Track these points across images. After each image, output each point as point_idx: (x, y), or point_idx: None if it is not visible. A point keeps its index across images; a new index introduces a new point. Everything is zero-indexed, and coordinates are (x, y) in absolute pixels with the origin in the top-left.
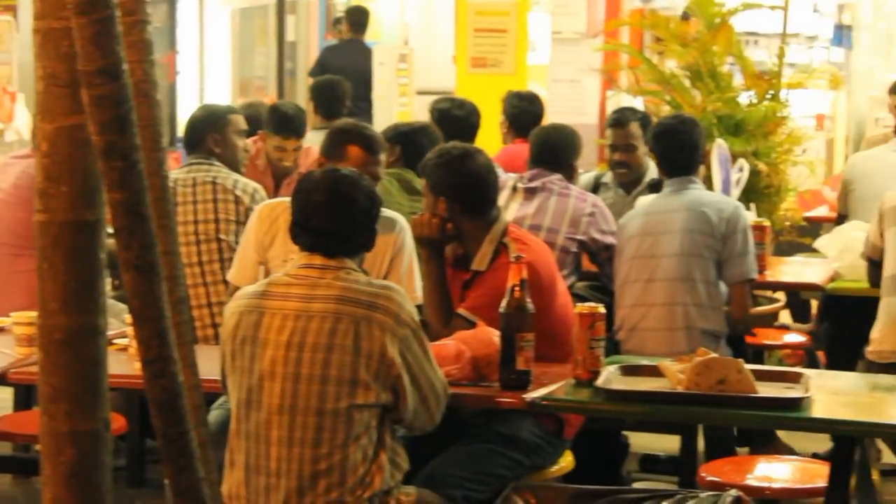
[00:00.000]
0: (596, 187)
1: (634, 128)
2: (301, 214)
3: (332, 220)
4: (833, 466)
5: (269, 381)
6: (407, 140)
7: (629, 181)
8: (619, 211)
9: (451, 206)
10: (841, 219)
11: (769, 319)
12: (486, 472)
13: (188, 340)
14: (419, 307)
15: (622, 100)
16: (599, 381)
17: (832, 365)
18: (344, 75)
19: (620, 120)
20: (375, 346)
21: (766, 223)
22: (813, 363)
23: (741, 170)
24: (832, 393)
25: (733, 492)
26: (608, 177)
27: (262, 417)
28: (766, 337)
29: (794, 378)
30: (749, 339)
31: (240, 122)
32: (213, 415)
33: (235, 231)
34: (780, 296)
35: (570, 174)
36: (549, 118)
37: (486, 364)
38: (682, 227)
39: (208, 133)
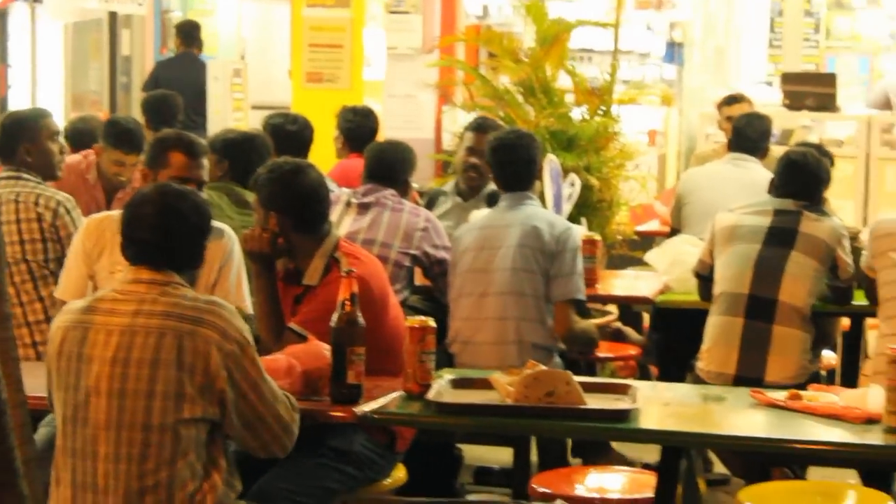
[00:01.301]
0: (434, 197)
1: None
2: (128, 226)
3: (158, 232)
4: (660, 476)
5: (94, 397)
6: (235, 153)
7: (474, 187)
8: (456, 219)
9: (283, 220)
10: (674, 233)
11: (602, 331)
12: (317, 486)
13: (13, 357)
14: (250, 318)
15: (457, 115)
16: (430, 395)
17: (663, 376)
18: (177, 89)
19: (483, 126)
20: (199, 360)
21: (598, 237)
22: (645, 375)
23: (573, 184)
24: (662, 404)
25: (560, 502)
26: (448, 186)
27: (89, 433)
28: (598, 350)
29: (623, 390)
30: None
31: (52, 125)
32: (41, 433)
33: (43, 249)
34: (613, 308)
35: (404, 190)
36: (384, 133)
37: (317, 378)
38: (516, 242)
39: (20, 143)
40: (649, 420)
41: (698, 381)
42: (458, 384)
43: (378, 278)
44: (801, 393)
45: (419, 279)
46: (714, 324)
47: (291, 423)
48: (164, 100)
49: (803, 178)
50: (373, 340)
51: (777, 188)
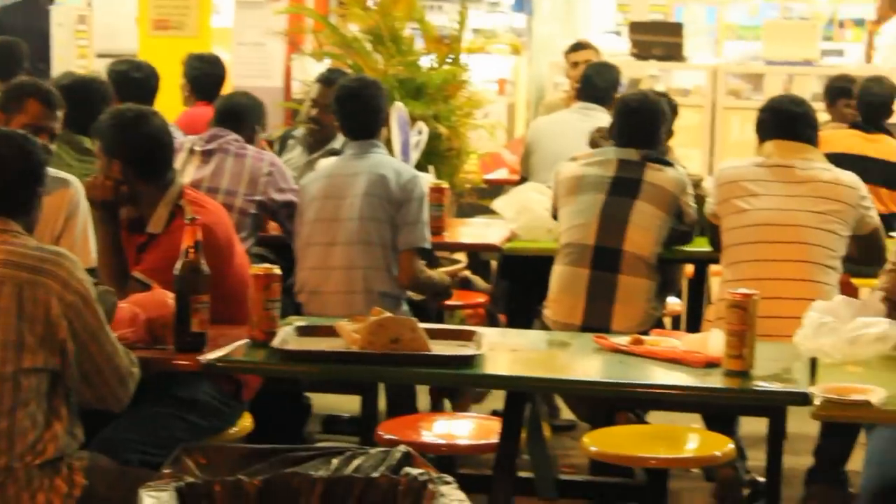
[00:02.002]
0: (286, 138)
1: None
2: None
3: None
4: (504, 422)
5: None
6: (71, 98)
7: (318, 140)
8: (301, 169)
9: (126, 168)
10: (523, 181)
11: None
12: (162, 436)
13: None
14: (94, 271)
15: (306, 63)
16: (275, 342)
17: (511, 323)
18: (20, 36)
19: (330, 79)
20: (39, 309)
21: (445, 185)
22: (493, 322)
23: (420, 133)
24: (509, 350)
25: (402, 447)
26: (298, 131)
27: None
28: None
29: (469, 336)
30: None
31: None
32: None
33: None
34: (462, 256)
35: (250, 137)
36: (232, 82)
37: (161, 326)
38: (362, 191)
39: None
40: (494, 366)
41: (546, 328)
42: (304, 332)
43: (223, 225)
44: (644, 338)
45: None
46: (560, 274)
47: (129, 377)
48: (9, 46)
49: (642, 124)
50: (218, 288)
51: (617, 136)
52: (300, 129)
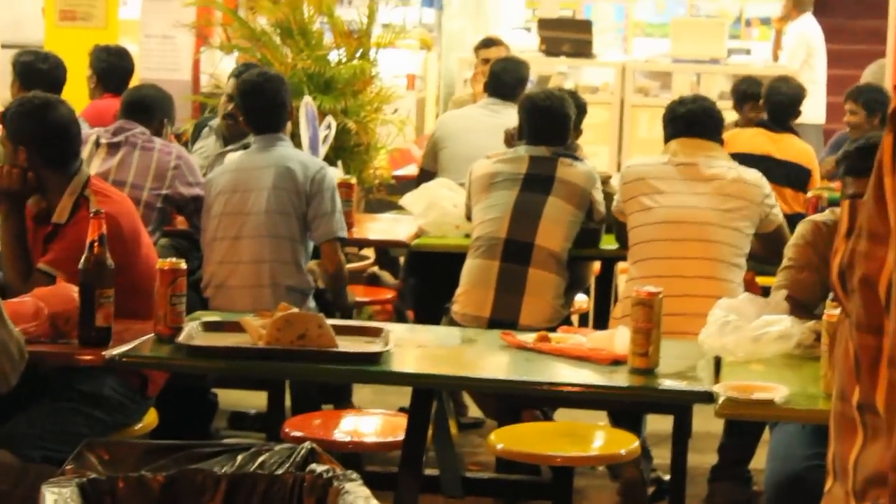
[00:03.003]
0: (201, 127)
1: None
2: None
3: None
4: (410, 419)
5: None
6: None
7: (234, 135)
8: (211, 160)
9: (32, 156)
10: (423, 174)
11: (358, 276)
12: (65, 432)
13: None
14: None
15: (215, 56)
16: (180, 338)
17: (419, 320)
18: None
19: (244, 73)
20: None
21: (353, 180)
22: (401, 319)
23: (329, 127)
24: (416, 346)
25: (308, 444)
26: (215, 122)
27: None
28: (355, 294)
29: (376, 333)
30: None
31: None
32: None
33: None
34: (370, 253)
35: (157, 130)
36: (140, 74)
37: (65, 321)
38: (270, 185)
39: None
40: (401, 363)
41: (453, 324)
42: (210, 327)
43: (128, 216)
44: (550, 335)
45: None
46: (470, 266)
47: (20, 362)
48: None
49: (551, 122)
50: (124, 281)
51: (527, 135)
52: (216, 120)
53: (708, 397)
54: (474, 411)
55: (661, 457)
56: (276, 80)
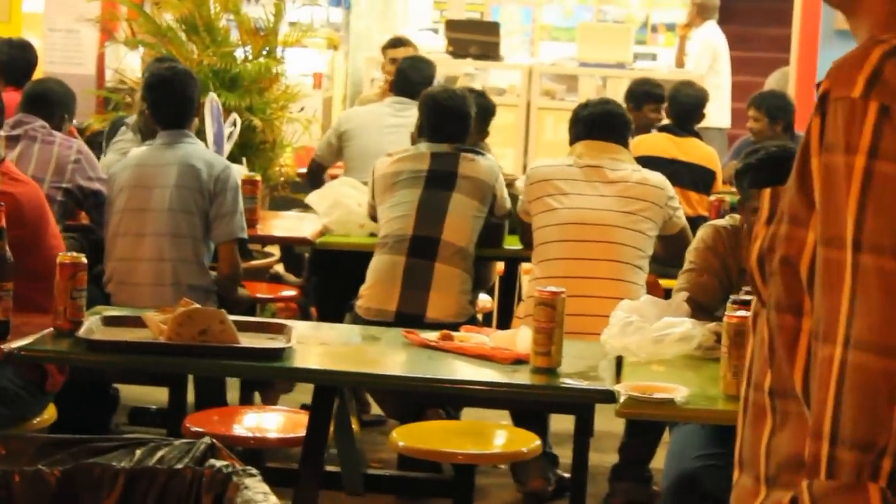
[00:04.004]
0: (117, 125)
1: None
2: None
3: None
4: (311, 416)
5: None
6: None
7: (153, 131)
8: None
9: None
10: (316, 169)
11: (262, 274)
12: None
13: None
14: None
15: (120, 51)
16: (81, 332)
17: (323, 317)
18: None
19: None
20: None
21: (258, 177)
22: (305, 316)
23: (234, 124)
24: (319, 343)
25: (207, 439)
26: (131, 118)
27: None
28: (258, 291)
29: (279, 329)
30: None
31: None
32: None
33: None
34: (275, 250)
35: (58, 125)
36: (43, 68)
37: None
38: (173, 182)
39: None
40: (303, 359)
41: (357, 321)
42: (111, 322)
43: (33, 201)
44: (453, 334)
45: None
46: (377, 262)
47: None
48: None
49: (451, 119)
50: (27, 267)
51: (428, 132)
52: (132, 116)
53: (609, 397)
54: (378, 409)
55: (563, 455)
56: (184, 75)
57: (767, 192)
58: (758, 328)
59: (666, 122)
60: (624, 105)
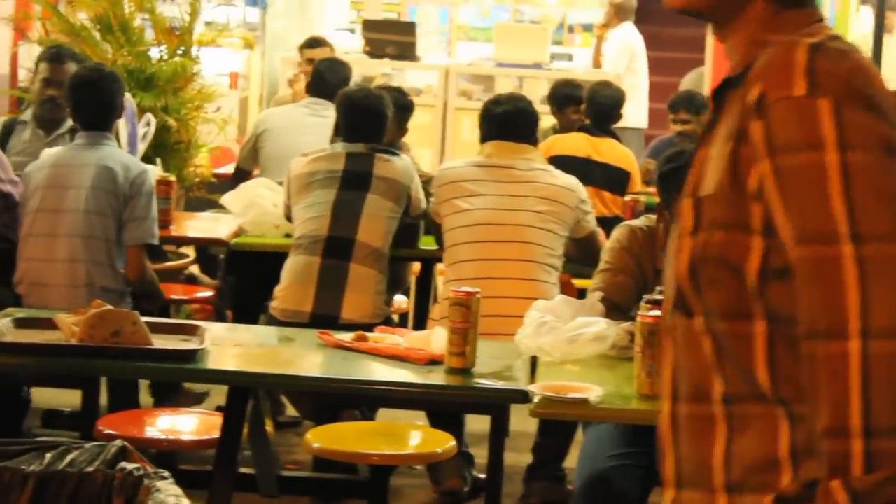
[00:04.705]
0: (11, 126)
1: (71, 67)
2: None
3: None
4: (225, 417)
5: None
6: None
7: (54, 119)
8: (36, 152)
9: None
10: (238, 172)
11: (177, 275)
12: None
13: None
14: None
15: (33, 50)
16: None
17: (239, 318)
18: None
19: (59, 55)
20: None
21: (173, 178)
22: (221, 318)
23: (148, 124)
24: (233, 345)
25: (118, 442)
26: (27, 115)
27: None
28: (173, 292)
29: (192, 331)
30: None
31: None
32: None
33: None
34: (190, 251)
35: None
36: None
37: None
38: (89, 184)
39: None
40: (218, 361)
41: (273, 322)
42: (22, 324)
43: None
44: (367, 334)
45: None
46: (292, 263)
47: None
48: None
49: (367, 119)
50: None
51: (344, 131)
52: (27, 113)
53: (524, 397)
54: (293, 410)
55: (479, 455)
56: (110, 77)
57: (688, 202)
58: (679, 339)
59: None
60: (548, 107)
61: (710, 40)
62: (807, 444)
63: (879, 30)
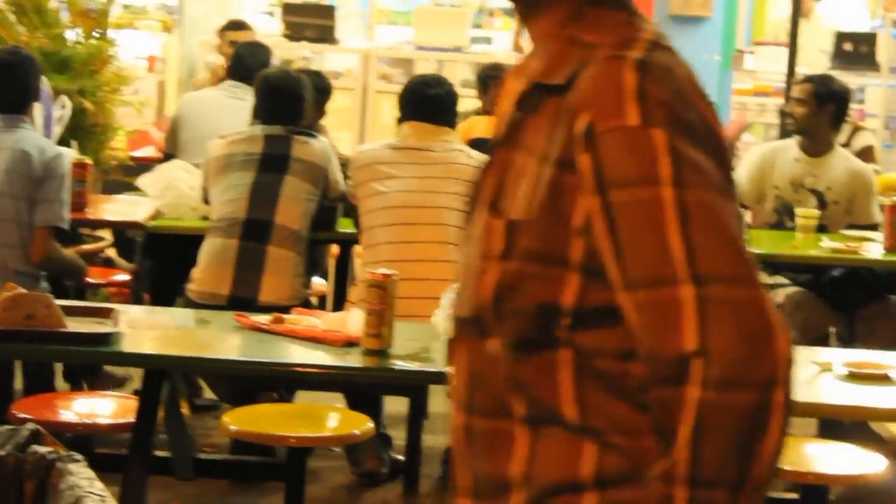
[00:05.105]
0: None
1: None
2: None
3: None
4: (141, 400)
5: None
6: None
7: None
8: None
9: None
10: (168, 158)
11: (93, 258)
12: None
13: None
14: None
15: None
16: None
17: (156, 301)
18: None
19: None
20: None
21: (89, 161)
22: (138, 301)
23: (64, 107)
24: (149, 328)
25: (31, 425)
26: None
27: None
28: (90, 276)
29: (107, 314)
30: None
31: None
32: None
33: None
34: (107, 234)
35: None
36: None
37: None
38: (4, 167)
39: None
40: (133, 344)
41: (190, 305)
42: None
43: None
44: (284, 316)
45: None
46: (209, 246)
47: None
48: None
49: (285, 101)
50: None
51: (262, 113)
52: None
53: (441, 378)
54: (211, 393)
55: (397, 437)
56: (27, 60)
57: (498, 224)
58: (475, 351)
59: None
60: (468, 91)
61: None
62: (620, 473)
63: (796, 14)
